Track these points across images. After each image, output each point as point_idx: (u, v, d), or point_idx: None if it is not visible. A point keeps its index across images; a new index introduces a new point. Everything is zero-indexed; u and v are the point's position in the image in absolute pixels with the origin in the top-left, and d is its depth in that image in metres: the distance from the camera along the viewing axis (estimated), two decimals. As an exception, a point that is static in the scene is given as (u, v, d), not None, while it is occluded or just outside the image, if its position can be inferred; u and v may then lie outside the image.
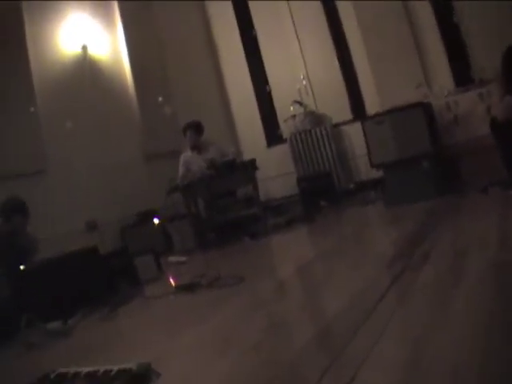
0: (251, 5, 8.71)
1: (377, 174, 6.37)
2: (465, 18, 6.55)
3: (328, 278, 3.09)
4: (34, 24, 6.22)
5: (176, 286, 3.73)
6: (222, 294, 3.24)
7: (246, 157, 7.74)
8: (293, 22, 8.20)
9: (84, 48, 6.93)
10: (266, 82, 8.72)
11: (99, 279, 4.03)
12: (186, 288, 3.55)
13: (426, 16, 6.79)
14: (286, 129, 8.19)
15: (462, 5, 6.53)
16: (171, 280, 4.20)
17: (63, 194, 5.97)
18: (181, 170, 6.48)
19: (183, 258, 5.22)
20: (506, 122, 4.30)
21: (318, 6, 7.99)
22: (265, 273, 3.79)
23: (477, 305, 1.89)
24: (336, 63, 7.95)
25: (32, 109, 5.96)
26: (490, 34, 6.13)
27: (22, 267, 3.77)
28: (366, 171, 7.18)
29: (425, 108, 5.72)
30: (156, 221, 6.57)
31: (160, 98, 7.90)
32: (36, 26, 6.28)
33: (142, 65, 7.69)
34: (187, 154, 6.57)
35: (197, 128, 6.53)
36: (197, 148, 6.51)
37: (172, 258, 5.28)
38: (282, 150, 8.17)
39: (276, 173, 8.07)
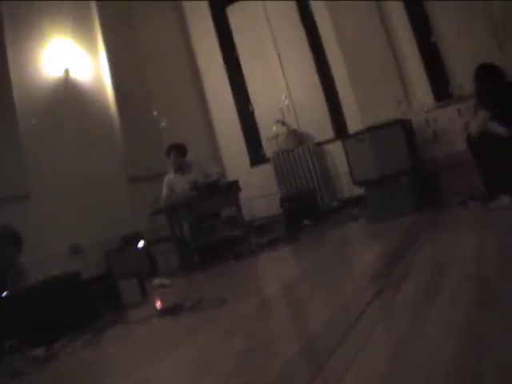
0: (233, 26, 8.81)
1: (359, 190, 6.42)
2: (443, 35, 6.67)
3: (310, 296, 3.11)
4: (16, 47, 6.23)
5: (159, 310, 3.73)
6: (205, 317, 3.25)
7: (230, 177, 7.78)
8: (274, 42, 8.30)
9: (66, 72, 6.94)
10: (248, 101, 8.79)
11: (82, 304, 4.01)
12: (170, 311, 3.56)
13: (405, 34, 6.89)
14: (268, 148, 8.24)
15: (440, 24, 6.65)
16: (155, 303, 4.19)
17: (46, 218, 5.95)
18: (164, 191, 6.50)
19: (167, 281, 5.21)
20: (479, 137, 4.38)
21: (299, 26, 8.09)
22: (247, 293, 3.79)
23: (453, 320, 1.92)
24: (317, 82, 8.04)
25: (15, 132, 5.96)
26: (467, 50, 6.24)
27: (4, 294, 3.74)
28: (348, 188, 7.25)
29: (404, 125, 5.79)
30: (140, 244, 6.56)
31: (143, 122, 7.91)
32: (18, 49, 6.29)
33: (124, 87, 7.70)
34: (170, 176, 6.59)
35: (180, 150, 6.56)
36: (180, 169, 6.53)
37: (156, 281, 5.26)
38: (265, 170, 8.22)
39: (259, 192, 8.10)
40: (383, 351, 1.88)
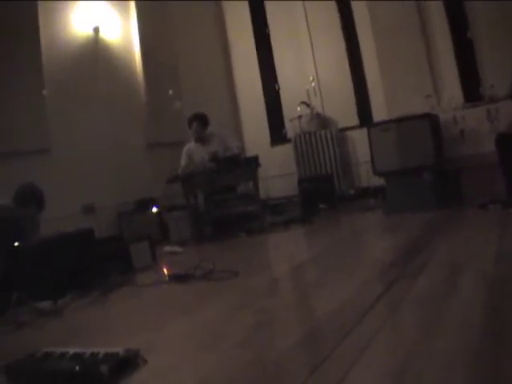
0: (267, 3, 8.72)
1: (378, 181, 6.37)
2: (479, 34, 6.55)
3: (321, 281, 3.09)
4: (47, 4, 6.19)
5: (169, 276, 3.72)
6: (215, 287, 3.24)
7: (249, 153, 7.74)
8: (307, 22, 8.21)
9: (96, 30, 6.90)
10: (275, 80, 8.72)
11: (92, 263, 4.01)
12: (179, 278, 3.55)
13: (440, 28, 6.80)
14: (291, 129, 8.19)
15: (478, 21, 6.53)
16: (165, 269, 4.18)
17: (64, 174, 5.95)
18: (183, 160, 6.47)
19: (179, 249, 5.21)
20: (508, 135, 4.31)
21: (333, 8, 8.00)
22: (259, 270, 3.78)
23: (468, 318, 1.89)
24: (347, 68, 7.96)
25: (43, 91, 5.95)
26: (503, 51, 6.15)
27: (15, 244, 3.75)
28: (367, 178, 7.18)
29: (432, 119, 5.71)
30: (154, 209, 6.56)
31: (168, 89, 7.87)
32: (49, 6, 6.25)
33: (152, 53, 7.66)
34: (191, 145, 6.55)
35: (203, 120, 6.51)
36: (201, 140, 6.49)
37: (167, 248, 5.27)
38: (285, 150, 8.18)
39: (277, 172, 8.07)
40: (394, 343, 1.86)
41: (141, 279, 4.02)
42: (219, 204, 6.14)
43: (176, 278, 3.58)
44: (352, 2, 7.80)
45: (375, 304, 2.27)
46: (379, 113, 7.23)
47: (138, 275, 4.21)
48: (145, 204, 6.65)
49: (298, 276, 3.44)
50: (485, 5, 6.40)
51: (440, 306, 2.08)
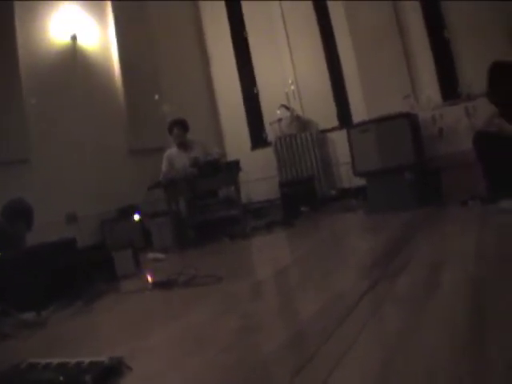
0: (244, 6, 8.74)
1: (359, 181, 6.40)
2: (456, 33, 6.62)
3: (304, 283, 3.10)
4: (24, 12, 6.16)
5: (153, 283, 3.72)
6: (199, 293, 3.24)
7: (230, 158, 7.75)
8: (284, 25, 8.25)
9: (73, 38, 6.87)
10: (254, 83, 8.74)
11: (75, 272, 3.99)
12: (163, 285, 3.55)
13: (417, 28, 6.88)
14: (271, 132, 8.21)
15: (454, 20, 6.60)
16: (148, 276, 4.18)
17: (45, 184, 5.92)
18: (164, 166, 6.47)
19: (162, 256, 5.21)
20: (484, 133, 4.36)
21: (311, 11, 8.04)
22: (242, 274, 3.78)
23: (450, 316, 1.91)
24: (325, 69, 8.00)
25: (19, 97, 5.91)
26: (479, 50, 6.21)
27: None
28: (348, 178, 7.23)
29: (411, 119, 5.76)
30: (136, 217, 6.55)
31: (147, 95, 7.85)
32: (26, 13, 6.22)
33: (131, 59, 7.65)
34: (172, 151, 6.56)
35: (183, 125, 6.52)
36: (182, 145, 6.49)
37: (150, 255, 5.26)
38: (266, 154, 8.20)
39: (259, 176, 8.08)
40: (377, 343, 1.87)
41: (125, 287, 4.00)
42: (201, 209, 6.14)
43: (160, 284, 3.57)
44: (329, 4, 7.85)
45: (358, 304, 2.28)
46: (358, 114, 7.27)
47: (121, 283, 4.19)
48: (127, 211, 6.63)
49: (282, 279, 3.44)
50: (460, 4, 6.47)
51: (422, 305, 2.10)
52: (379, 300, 2.34)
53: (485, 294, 2.12)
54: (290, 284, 3.28)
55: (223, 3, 8.92)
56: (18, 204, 4.34)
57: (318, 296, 2.62)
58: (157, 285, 3.61)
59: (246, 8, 8.75)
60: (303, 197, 6.96)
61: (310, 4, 8.07)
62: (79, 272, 4.03)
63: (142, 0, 7.99)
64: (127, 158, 7.41)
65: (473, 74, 6.25)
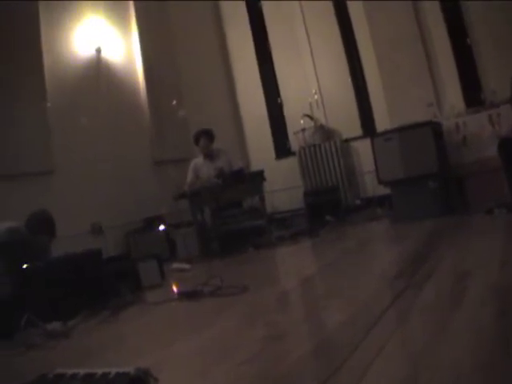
0: (267, 17, 8.78)
1: (383, 190, 6.37)
2: (478, 40, 6.58)
3: (330, 292, 3.09)
4: (49, 25, 6.26)
5: (178, 293, 3.74)
6: (224, 303, 3.25)
7: (254, 168, 7.77)
8: (307, 35, 8.25)
9: (98, 51, 6.97)
10: (277, 94, 8.76)
11: (102, 282, 4.03)
12: (188, 295, 3.56)
13: (439, 36, 6.84)
14: (295, 142, 8.21)
15: (477, 28, 6.56)
16: (174, 287, 4.20)
17: (70, 195, 5.99)
18: (190, 176, 6.51)
19: (187, 266, 5.23)
20: (510, 140, 4.33)
21: (333, 20, 8.04)
22: (267, 284, 3.78)
23: (476, 327, 1.89)
24: (348, 79, 7.99)
25: (46, 107, 6.00)
26: (502, 57, 6.17)
27: (24, 266, 3.77)
28: (372, 187, 7.20)
29: (434, 127, 5.73)
30: (161, 227, 6.58)
31: (171, 106, 7.92)
32: (51, 27, 6.32)
33: (155, 71, 7.73)
34: (198, 161, 6.60)
35: (209, 135, 6.57)
36: (208, 155, 6.53)
37: (175, 265, 5.29)
38: (290, 163, 8.19)
39: (283, 185, 8.07)
40: (403, 354, 1.86)
41: (150, 297, 4.03)
42: (226, 219, 6.16)
43: (185, 295, 3.59)
44: (351, 14, 7.85)
45: (383, 315, 2.27)
46: (382, 122, 7.24)
47: (147, 293, 4.22)
48: (152, 222, 6.67)
49: (307, 289, 3.44)
50: (483, 10, 6.43)
51: (448, 316, 2.09)
52: (405, 310, 2.32)
53: (511, 304, 2.10)
54: (316, 294, 3.28)
55: (246, 15, 8.97)
56: (41, 215, 4.40)
57: (343, 306, 2.62)
58: (182, 295, 3.63)
59: (269, 18, 8.78)
60: (328, 206, 6.94)
61: (332, 14, 8.07)
62: (105, 282, 4.07)
63: (165, 2, 8.08)
64: (152, 169, 7.47)
65: (496, 81, 6.21)
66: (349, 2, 7.85)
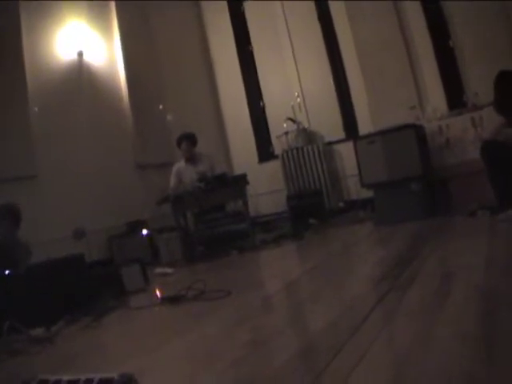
0: (249, 20, 8.79)
1: (367, 193, 6.39)
2: (461, 42, 6.63)
3: (314, 296, 3.08)
4: (31, 29, 6.22)
5: (161, 298, 3.71)
6: (208, 308, 3.23)
7: (238, 171, 7.77)
8: (290, 39, 8.27)
9: (80, 55, 6.93)
10: (260, 97, 8.76)
11: (84, 287, 4.00)
12: (172, 300, 3.54)
13: (422, 39, 6.88)
14: (278, 145, 8.22)
15: (459, 30, 6.61)
16: (157, 291, 4.18)
17: (53, 200, 5.95)
18: (172, 180, 6.50)
19: (170, 270, 5.20)
20: (492, 144, 4.36)
21: (316, 24, 8.06)
22: (251, 288, 3.77)
23: (461, 329, 1.89)
24: (331, 82, 8.01)
25: (28, 111, 5.95)
26: (485, 59, 6.22)
27: (5, 272, 3.73)
28: (355, 190, 7.22)
29: (417, 130, 5.76)
30: (145, 232, 6.55)
31: (154, 110, 7.89)
32: (33, 31, 6.28)
33: (137, 74, 7.70)
34: (181, 165, 6.59)
35: (192, 139, 6.56)
36: (191, 159, 6.52)
37: (159, 270, 5.26)
38: (273, 167, 8.20)
39: (266, 189, 8.08)
40: (388, 357, 1.86)
41: (133, 302, 3.99)
42: (209, 223, 6.14)
43: (168, 299, 3.57)
44: (334, 16, 7.87)
45: (368, 317, 2.27)
46: (365, 125, 7.28)
47: (130, 298, 4.19)
48: (135, 226, 6.64)
49: (291, 292, 3.43)
50: (465, 12, 6.49)
51: (432, 318, 2.09)
52: (389, 313, 2.32)
53: (495, 305, 2.10)
54: (300, 297, 3.27)
55: (228, 17, 8.97)
56: (4, 205, 4.40)
57: (328, 309, 2.61)
58: (166, 300, 3.60)
59: (251, 21, 8.80)
60: (311, 209, 6.95)
61: (314, 16, 8.10)
62: (88, 287, 4.03)
63: (146, 15, 8.06)
64: (135, 173, 7.44)
65: (478, 83, 6.26)
66: (331, 5, 7.88)
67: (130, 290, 4.39)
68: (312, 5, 8.12)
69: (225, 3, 8.99)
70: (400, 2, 6.96)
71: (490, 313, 2.00)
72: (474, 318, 1.98)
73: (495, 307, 2.07)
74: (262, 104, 8.79)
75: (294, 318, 2.75)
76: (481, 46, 6.39)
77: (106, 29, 7.51)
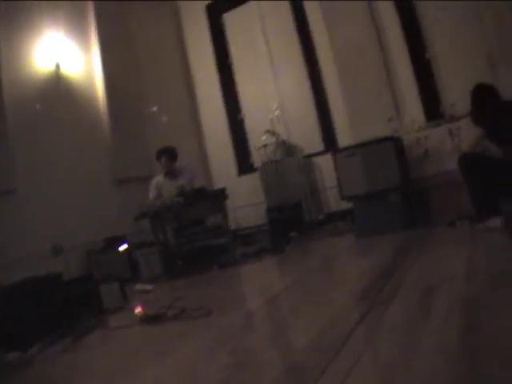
0: (228, 33, 8.80)
1: (347, 205, 6.39)
2: (437, 54, 6.69)
3: (296, 313, 3.06)
4: (7, 41, 6.14)
5: (141, 317, 3.64)
6: (189, 327, 3.18)
7: (217, 184, 7.74)
8: (269, 52, 8.29)
9: (57, 66, 6.85)
10: (239, 110, 8.75)
11: (62, 307, 3.92)
12: (152, 319, 3.48)
13: (399, 51, 6.91)
14: (257, 158, 8.20)
15: (436, 42, 6.68)
16: (136, 310, 4.11)
17: (30, 215, 5.85)
18: (151, 194, 6.45)
19: (149, 287, 5.13)
20: (470, 155, 4.39)
21: (295, 38, 8.09)
22: (232, 305, 3.73)
23: (444, 344, 1.88)
24: (309, 94, 8.02)
25: (6, 124, 5.86)
26: (460, 71, 6.29)
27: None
28: (335, 202, 7.21)
29: (395, 142, 5.78)
30: (123, 247, 6.47)
31: (134, 121, 7.83)
32: (10, 43, 6.20)
33: (116, 86, 7.62)
34: (159, 179, 6.54)
35: (172, 153, 6.52)
36: (170, 173, 6.47)
37: (138, 286, 5.19)
38: (252, 179, 8.16)
39: (246, 202, 8.05)
40: (372, 374, 1.83)
41: (113, 321, 3.93)
42: (189, 238, 6.09)
43: (148, 319, 3.51)
44: (312, 29, 7.90)
45: (351, 334, 2.24)
46: (344, 137, 7.29)
47: (109, 317, 4.12)
48: (114, 242, 6.56)
49: (273, 309, 3.39)
50: (442, 25, 6.57)
51: (415, 332, 2.07)
52: (372, 329, 2.30)
53: (477, 317, 2.10)
54: (282, 314, 3.24)
55: (207, 30, 8.95)
56: None
57: (310, 327, 2.58)
58: (145, 319, 3.54)
59: (230, 34, 8.80)
60: (291, 222, 6.94)
61: (293, 29, 8.13)
62: (66, 307, 3.96)
63: (126, 26, 8.03)
64: (114, 188, 7.35)
65: (454, 94, 6.32)
66: (310, 18, 7.90)
67: (110, 308, 4.33)
68: (290, 18, 8.14)
69: (204, 15, 8.97)
70: (378, 15, 7.00)
71: (472, 328, 1.99)
72: (456, 332, 1.97)
73: (477, 321, 2.06)
74: (240, 117, 8.77)
75: (277, 336, 2.71)
76: (457, 57, 6.46)
77: (84, 41, 7.43)
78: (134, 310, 3.88)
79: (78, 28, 7.36)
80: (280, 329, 2.86)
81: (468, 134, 4.71)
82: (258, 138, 8.13)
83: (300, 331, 2.59)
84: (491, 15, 6.06)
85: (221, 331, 2.93)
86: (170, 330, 3.23)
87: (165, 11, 8.98)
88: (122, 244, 6.50)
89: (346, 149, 6.03)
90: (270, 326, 3.05)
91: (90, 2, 7.51)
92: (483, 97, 4.61)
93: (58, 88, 6.83)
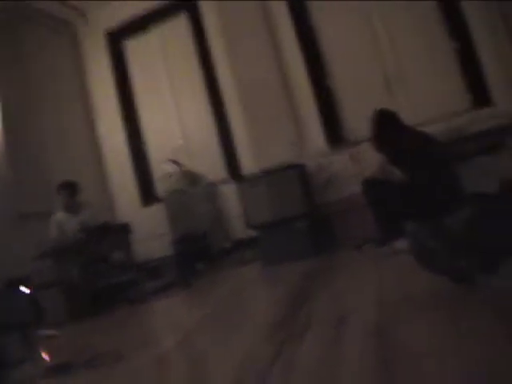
0: (130, 61, 8.74)
1: (253, 232, 6.42)
2: (337, 79, 6.92)
3: (211, 350, 3.00)
4: None
5: (46, 369, 3.45)
6: (100, 376, 3.04)
7: (122, 217, 7.58)
8: (171, 80, 8.31)
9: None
10: (141, 140, 8.64)
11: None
12: (59, 369, 3.31)
13: (300, 78, 7.09)
14: (161, 188, 8.11)
15: (336, 68, 6.91)
16: (41, 360, 3.90)
17: None
18: (52, 232, 6.21)
19: (55, 332, 4.91)
20: (373, 181, 4.54)
21: (196, 65, 8.13)
22: (144, 346, 3.61)
23: (361, 373, 1.89)
24: (212, 122, 8.07)
25: None
26: (360, 97, 6.53)
27: None
28: (241, 229, 7.23)
29: (299, 169, 5.89)
30: (23, 290, 6.17)
31: (35, 155, 7.54)
32: None
33: (14, 118, 7.33)
34: (59, 215, 6.31)
35: (71, 188, 6.32)
36: (70, 209, 6.26)
37: (42, 332, 4.94)
38: (157, 210, 8.06)
39: (152, 233, 7.92)
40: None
41: (16, 375, 3.70)
42: (94, 275, 5.91)
43: (55, 370, 3.33)
44: (214, 57, 7.95)
45: (268, 372, 2.22)
46: (248, 164, 7.36)
47: (10, 372, 3.86)
48: (14, 284, 6.24)
49: (186, 348, 3.31)
50: (342, 53, 6.83)
51: (330, 366, 2.07)
52: (288, 365, 2.28)
53: (391, 343, 2.13)
54: (195, 354, 3.17)
55: (108, 59, 8.83)
56: None
57: (226, 366, 2.53)
58: (52, 370, 3.36)
59: (131, 62, 8.74)
60: (197, 253, 6.89)
61: (195, 57, 8.16)
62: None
63: (22, 61, 7.77)
64: (15, 224, 7.01)
65: (356, 119, 6.54)
66: (211, 45, 7.96)
67: (10, 361, 4.08)
68: (192, 45, 8.18)
69: (105, 44, 8.85)
70: (280, 43, 7.17)
71: (386, 360, 2.01)
72: (371, 361, 1.98)
73: (390, 345, 2.09)
74: (143, 148, 8.67)
75: (190, 380, 2.65)
76: (355, 84, 6.72)
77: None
78: (39, 361, 3.69)
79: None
80: (193, 370, 2.79)
81: (370, 158, 4.85)
82: (161, 168, 8.05)
83: (217, 373, 2.53)
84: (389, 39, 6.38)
85: (135, 377, 2.82)
86: (80, 382, 3.07)
87: (64, 43, 8.77)
88: (22, 286, 6.19)
89: (250, 178, 6.08)
90: (184, 368, 2.97)
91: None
92: (384, 123, 4.77)
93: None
